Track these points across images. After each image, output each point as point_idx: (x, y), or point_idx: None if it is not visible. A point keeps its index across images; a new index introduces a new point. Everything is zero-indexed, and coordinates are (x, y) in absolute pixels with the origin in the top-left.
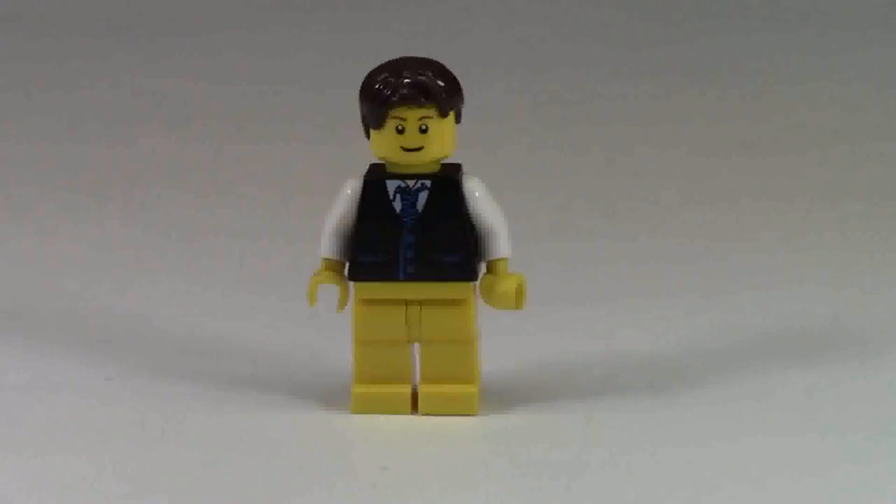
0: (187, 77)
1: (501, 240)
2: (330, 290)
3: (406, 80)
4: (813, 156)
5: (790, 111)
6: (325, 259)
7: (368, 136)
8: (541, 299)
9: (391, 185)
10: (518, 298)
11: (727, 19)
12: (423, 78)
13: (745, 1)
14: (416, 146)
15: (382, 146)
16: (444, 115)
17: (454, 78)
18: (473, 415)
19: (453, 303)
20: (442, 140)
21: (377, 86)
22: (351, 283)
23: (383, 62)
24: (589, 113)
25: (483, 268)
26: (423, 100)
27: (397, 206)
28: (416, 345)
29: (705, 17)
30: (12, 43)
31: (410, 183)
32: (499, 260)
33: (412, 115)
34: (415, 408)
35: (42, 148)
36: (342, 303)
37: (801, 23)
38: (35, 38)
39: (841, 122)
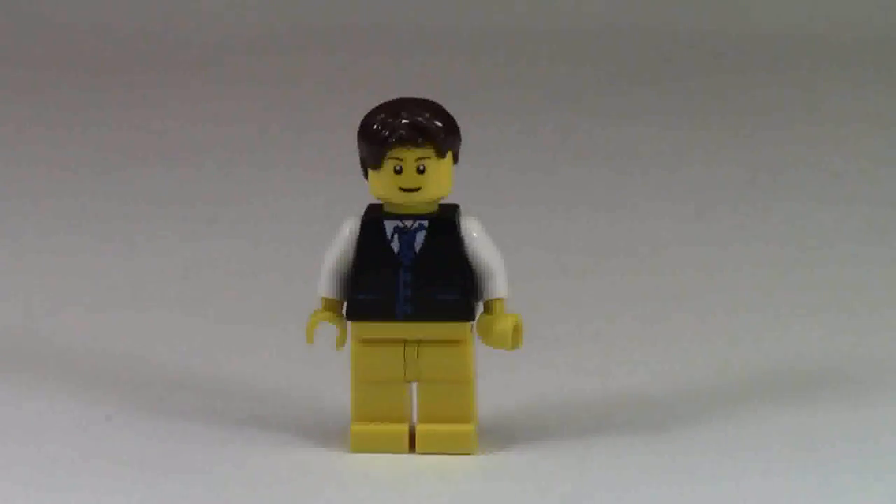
0: (187, 114)
1: (498, 280)
2: (328, 329)
3: (404, 121)
4: (808, 196)
5: (784, 151)
6: (324, 298)
7: (366, 177)
8: (537, 338)
9: (389, 225)
10: (515, 338)
11: (725, 61)
12: (420, 118)
13: (743, 43)
14: (414, 186)
15: (380, 186)
16: (441, 155)
17: (452, 118)
18: (471, 453)
19: (451, 342)
20: (439, 180)
21: (375, 126)
22: (349, 322)
23: (381, 103)
24: (585, 153)
25: (480, 307)
26: (420, 140)
27: (395, 246)
28: (414, 383)
29: (703, 59)
30: (11, 78)
31: (408, 223)
32: (496, 300)
33: (410, 156)
34: (413, 446)
35: (40, 184)
36: (340, 342)
37: (800, 64)
38: (32, 73)
39: (835, 162)
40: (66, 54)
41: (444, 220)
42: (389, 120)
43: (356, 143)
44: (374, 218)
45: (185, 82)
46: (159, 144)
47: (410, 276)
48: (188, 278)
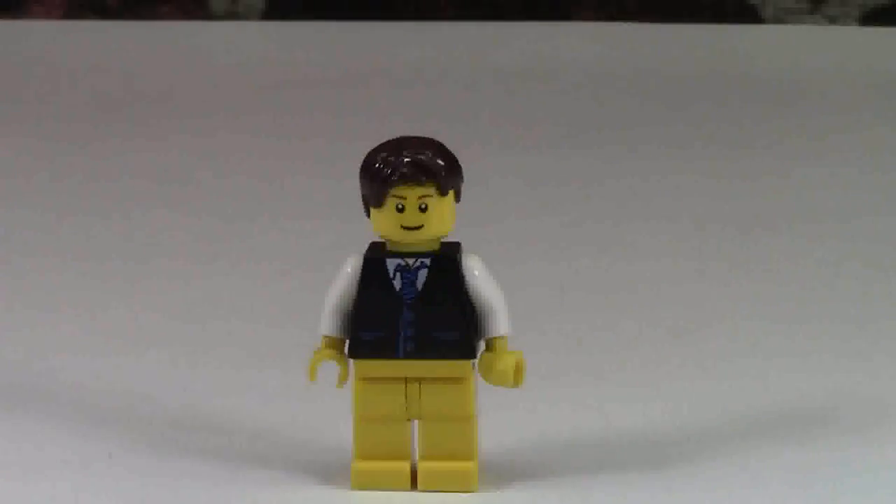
0: (188, 154)
1: (500, 318)
2: (330, 367)
3: (406, 159)
4: (809, 232)
5: (787, 187)
6: (326, 336)
7: (369, 215)
8: (539, 376)
9: (391, 264)
10: (516, 376)
11: (725, 98)
12: (422, 157)
13: (743, 81)
14: (416, 224)
15: (382, 224)
16: (443, 193)
17: (453, 157)
18: (473, 491)
19: (452, 380)
20: (441, 218)
21: (377, 165)
22: (351, 360)
23: (383, 141)
24: (586, 192)
25: (482, 345)
26: (422, 178)
27: (397, 284)
28: (416, 421)
29: (702, 96)
30: (13, 119)
31: (410, 261)
32: (497, 338)
33: (412, 194)
34: (414, 484)
35: (42, 223)
36: (342, 379)
37: (799, 101)
38: (35, 114)
39: (838, 198)
40: (68, 94)
41: (446, 259)
42: (391, 158)
43: (358, 182)
44: (376, 256)
45: (186, 121)
46: (160, 184)
47: (412, 315)
48: (190, 316)
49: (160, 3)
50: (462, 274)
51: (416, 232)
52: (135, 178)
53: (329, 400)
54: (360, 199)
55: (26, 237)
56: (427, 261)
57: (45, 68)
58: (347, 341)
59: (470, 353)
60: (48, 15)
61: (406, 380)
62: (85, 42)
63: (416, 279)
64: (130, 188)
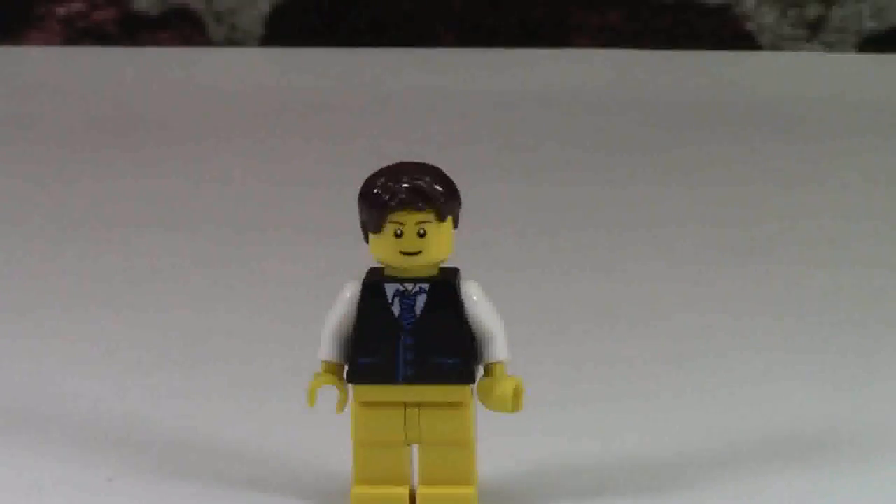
0: (187, 179)
1: (499, 343)
2: (329, 392)
3: (404, 185)
4: (808, 258)
5: (785, 213)
6: (325, 361)
7: (367, 240)
8: (538, 401)
9: (390, 289)
10: (515, 401)
11: (722, 124)
12: (421, 183)
13: (741, 108)
14: (415, 250)
15: (381, 250)
16: (442, 219)
17: (452, 183)
18: None
19: (451, 405)
20: (440, 244)
21: (376, 190)
22: (350, 386)
23: (382, 167)
24: (584, 217)
25: (481, 370)
26: (421, 204)
27: (396, 309)
28: (415, 446)
29: (700, 122)
30: (12, 144)
31: (409, 286)
32: (496, 363)
33: (410, 220)
34: None
35: (42, 248)
36: (341, 404)
37: (797, 127)
38: (34, 139)
39: (837, 225)
40: (67, 119)
41: (445, 284)
42: (390, 184)
43: (357, 207)
44: (374, 281)
45: (185, 146)
46: (160, 209)
47: (411, 340)
48: (189, 341)
49: (159, 30)
50: (460, 299)
51: (414, 257)
52: (134, 203)
53: (328, 425)
54: (359, 224)
55: (25, 261)
56: (426, 286)
57: (45, 94)
58: (346, 366)
59: (469, 379)
60: (47, 41)
61: (405, 405)
62: (84, 68)
63: (415, 304)
64: (130, 213)
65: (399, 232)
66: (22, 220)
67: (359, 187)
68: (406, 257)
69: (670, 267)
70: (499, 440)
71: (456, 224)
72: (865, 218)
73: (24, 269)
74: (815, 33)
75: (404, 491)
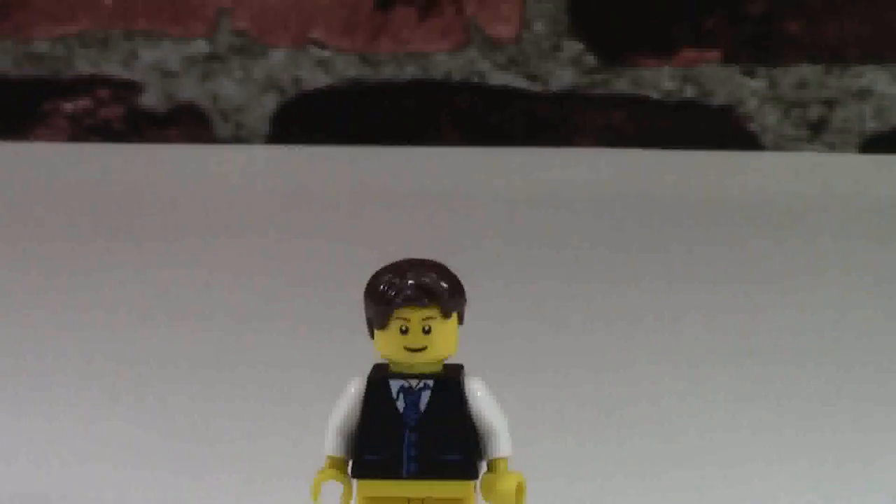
0: (193, 276)
1: (502, 439)
2: (334, 487)
3: (410, 282)
4: (809, 359)
5: (787, 314)
6: (329, 456)
7: (373, 336)
8: (540, 497)
9: (395, 385)
10: (518, 497)
11: (725, 224)
12: (426, 280)
13: (741, 207)
14: (420, 346)
15: (386, 346)
16: (446, 316)
17: (457, 279)
18: None
19: (455, 501)
20: (445, 340)
21: (382, 287)
22: (354, 481)
23: (387, 263)
24: (587, 315)
25: (484, 466)
26: (426, 301)
27: (400, 405)
28: None
29: (702, 222)
30: (19, 240)
31: (413, 382)
32: (499, 459)
33: (416, 316)
34: None
35: (46, 343)
36: (346, 500)
37: (799, 227)
38: (41, 235)
39: (839, 326)
40: (73, 216)
41: (449, 380)
42: (396, 281)
43: (362, 303)
44: (379, 377)
45: (191, 243)
46: (166, 305)
47: (415, 436)
48: (194, 436)
49: (166, 127)
50: (464, 396)
51: (419, 354)
52: (140, 299)
53: None
54: (365, 320)
55: (29, 356)
56: (430, 382)
57: (51, 190)
58: (351, 461)
59: (472, 474)
60: (53, 138)
61: (409, 500)
62: (91, 164)
63: (420, 401)
64: (135, 309)
65: (404, 328)
66: (27, 314)
67: (364, 284)
68: (411, 353)
69: (672, 365)
70: None
71: (461, 320)
72: (868, 318)
73: (26, 363)
74: (817, 134)
75: None
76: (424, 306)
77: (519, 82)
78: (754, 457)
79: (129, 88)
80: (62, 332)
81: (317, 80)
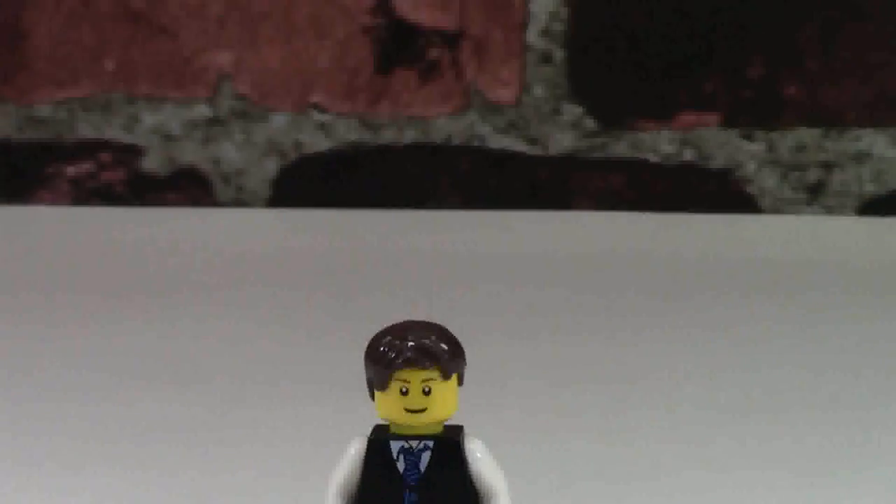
0: (193, 338)
1: (502, 501)
2: None
3: (410, 344)
4: (807, 419)
5: (784, 376)
6: None
7: (373, 397)
8: None
9: (395, 446)
10: None
11: (724, 286)
12: (426, 341)
13: (739, 269)
14: (420, 408)
15: (386, 407)
16: (447, 377)
17: (456, 341)
18: None
19: None
20: (444, 402)
21: (382, 349)
22: None
23: (387, 326)
24: (588, 377)
25: None
26: (426, 363)
27: (400, 466)
28: None
29: (701, 284)
30: (19, 303)
31: (413, 443)
32: None
33: (416, 378)
34: None
35: (46, 406)
36: None
37: (797, 290)
38: (42, 299)
39: (837, 387)
40: (75, 279)
41: (449, 442)
42: (396, 342)
43: (363, 365)
44: (379, 438)
45: (192, 307)
46: (166, 368)
47: (415, 497)
48: (193, 499)
49: (167, 190)
50: (464, 457)
51: (419, 415)
52: (141, 362)
53: None
54: (365, 381)
55: (30, 419)
56: (430, 443)
57: (53, 254)
58: None
59: None
60: (56, 201)
61: None
62: (93, 228)
63: (420, 462)
64: (136, 372)
65: (404, 390)
66: (28, 377)
67: (365, 346)
68: (411, 415)
69: (672, 425)
70: None
71: (461, 382)
72: (866, 381)
73: (27, 428)
74: (815, 197)
75: None
76: (424, 368)
77: (519, 146)
78: None
79: (130, 152)
80: (63, 394)
81: (318, 143)
